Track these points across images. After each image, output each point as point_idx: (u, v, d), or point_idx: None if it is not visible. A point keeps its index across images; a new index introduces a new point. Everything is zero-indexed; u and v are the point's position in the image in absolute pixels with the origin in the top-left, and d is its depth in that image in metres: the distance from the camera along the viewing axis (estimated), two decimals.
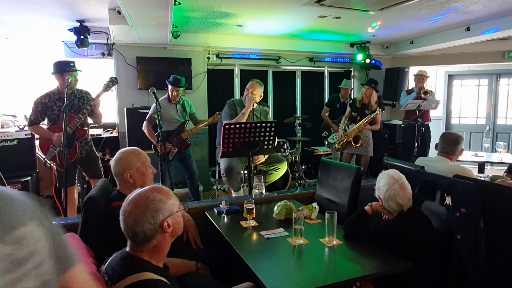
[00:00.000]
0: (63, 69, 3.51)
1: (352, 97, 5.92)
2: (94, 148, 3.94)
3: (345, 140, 4.93)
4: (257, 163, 3.70)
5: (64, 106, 3.31)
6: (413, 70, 6.25)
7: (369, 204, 2.23)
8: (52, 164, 4.54)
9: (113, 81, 3.71)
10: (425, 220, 2.08)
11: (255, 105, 3.74)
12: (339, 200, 2.61)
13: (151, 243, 1.39)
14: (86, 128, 3.74)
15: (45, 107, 3.56)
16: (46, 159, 4.40)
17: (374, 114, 4.83)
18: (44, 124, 3.70)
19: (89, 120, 3.85)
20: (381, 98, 7.14)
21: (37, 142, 4.46)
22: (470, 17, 4.86)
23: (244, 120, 3.60)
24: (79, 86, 3.72)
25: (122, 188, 2.06)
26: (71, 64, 3.56)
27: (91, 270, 1.31)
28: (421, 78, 5.63)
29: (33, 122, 3.58)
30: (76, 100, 3.65)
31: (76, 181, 4.07)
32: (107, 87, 3.69)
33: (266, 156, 3.73)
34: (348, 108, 5.21)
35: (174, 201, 1.47)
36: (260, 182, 2.97)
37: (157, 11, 3.55)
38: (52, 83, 3.68)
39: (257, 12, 4.53)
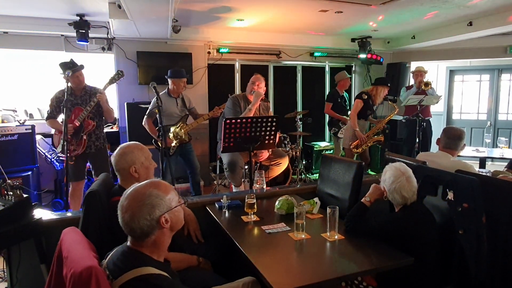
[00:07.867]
0: (64, 71, 3.56)
1: (352, 89, 5.88)
2: (107, 147, 3.96)
3: (364, 145, 4.94)
4: (261, 159, 3.67)
5: (64, 101, 3.39)
6: (414, 66, 6.22)
7: (367, 198, 2.20)
8: (55, 158, 4.56)
9: (119, 74, 3.81)
10: (428, 215, 2.08)
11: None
12: (341, 195, 2.60)
13: (150, 239, 1.39)
14: (96, 121, 3.77)
15: (59, 101, 3.69)
16: (49, 153, 4.42)
17: (392, 114, 5.29)
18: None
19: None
20: None
21: (38, 137, 4.48)
22: (473, 12, 4.82)
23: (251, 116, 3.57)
24: (87, 83, 3.82)
25: (124, 183, 2.05)
26: (69, 66, 3.60)
27: (92, 264, 1.30)
28: (419, 73, 5.67)
29: (49, 116, 3.80)
30: (86, 95, 3.75)
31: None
32: (113, 80, 3.79)
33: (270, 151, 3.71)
34: (359, 104, 4.93)
35: (172, 196, 1.45)
36: (261, 177, 2.96)
37: (157, 5, 3.53)
38: (52, 78, 3.69)
39: (258, 6, 4.50)
